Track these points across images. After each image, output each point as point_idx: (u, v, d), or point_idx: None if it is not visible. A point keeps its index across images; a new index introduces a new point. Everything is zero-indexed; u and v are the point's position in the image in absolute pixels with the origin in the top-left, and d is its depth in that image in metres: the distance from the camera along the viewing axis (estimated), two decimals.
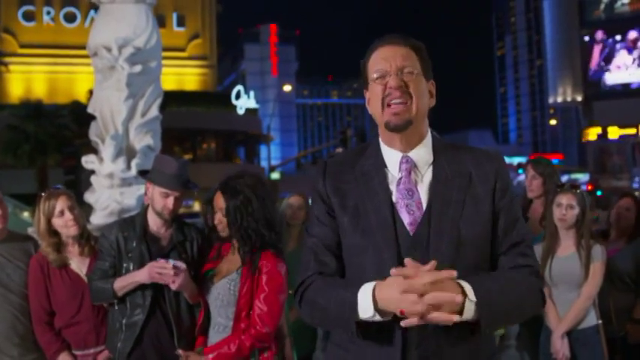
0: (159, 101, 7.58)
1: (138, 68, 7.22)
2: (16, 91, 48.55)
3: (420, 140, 2.32)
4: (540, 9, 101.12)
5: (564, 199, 4.69)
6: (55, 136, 35.17)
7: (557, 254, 4.71)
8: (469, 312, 2.04)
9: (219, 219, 3.79)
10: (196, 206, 34.64)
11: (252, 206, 3.68)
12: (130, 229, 4.14)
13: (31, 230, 7.22)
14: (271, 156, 56.76)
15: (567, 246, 4.71)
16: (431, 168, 2.30)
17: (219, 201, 3.77)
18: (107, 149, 6.73)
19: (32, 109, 36.34)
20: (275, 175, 45.22)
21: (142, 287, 4.01)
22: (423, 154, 2.31)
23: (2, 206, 4.32)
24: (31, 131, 35.38)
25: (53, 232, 4.28)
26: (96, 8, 8.40)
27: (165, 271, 3.86)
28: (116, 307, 4.08)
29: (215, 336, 3.76)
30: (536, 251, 4.80)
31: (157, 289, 4.00)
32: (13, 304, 4.26)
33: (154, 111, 7.43)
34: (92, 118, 7.84)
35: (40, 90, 48.53)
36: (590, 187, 47.85)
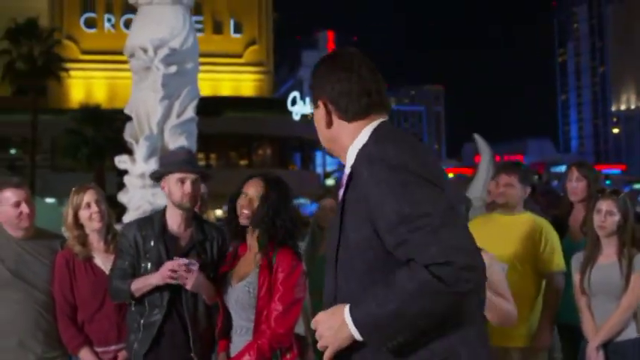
0: (195, 103, 7.54)
1: (173, 69, 7.20)
2: (76, 96, 49.62)
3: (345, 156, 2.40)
4: (604, 15, 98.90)
5: (604, 205, 4.48)
6: (113, 140, 35.76)
7: (597, 262, 4.50)
8: (357, 334, 2.10)
9: (248, 204, 3.70)
10: None
11: (288, 199, 3.75)
12: (149, 228, 4.07)
13: (64, 229, 7.28)
14: (326, 162, 56.74)
15: (609, 254, 4.50)
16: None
17: (256, 187, 3.73)
18: (140, 149, 6.72)
19: (91, 113, 37.08)
20: (330, 182, 45.19)
21: (159, 287, 3.96)
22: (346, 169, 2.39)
23: (30, 205, 4.38)
24: (90, 135, 36.16)
25: (79, 226, 4.35)
26: None
27: (178, 268, 3.80)
28: (133, 308, 4.04)
29: (239, 339, 3.72)
30: (578, 259, 4.66)
31: (174, 289, 3.94)
32: (37, 301, 4.28)
33: (190, 112, 7.39)
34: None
35: (99, 95, 49.48)
36: None
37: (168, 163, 4.13)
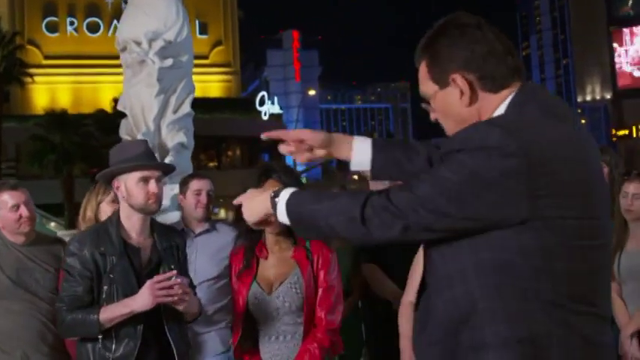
0: (191, 97, 7.26)
1: (169, 62, 6.90)
2: (41, 102, 48.80)
3: None
4: (565, 8, 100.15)
5: (630, 187, 4.36)
6: (81, 146, 35.31)
7: (626, 248, 4.36)
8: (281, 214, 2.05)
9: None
10: (222, 214, 34.48)
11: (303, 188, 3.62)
12: (106, 241, 3.42)
13: (60, 234, 7.01)
14: (297, 162, 56.59)
15: (638, 238, 4.35)
16: None
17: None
18: None
19: (57, 119, 36.46)
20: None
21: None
22: None
23: (30, 208, 4.13)
24: (57, 141, 35.55)
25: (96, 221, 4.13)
26: (119, 17, 8.21)
27: (169, 283, 3.24)
28: (100, 343, 3.35)
29: (283, 346, 3.54)
30: None
31: (148, 312, 3.32)
32: (41, 311, 4.05)
33: (187, 107, 7.11)
34: (117, 126, 7.57)
35: (64, 100, 48.78)
36: None
37: (124, 160, 3.43)
